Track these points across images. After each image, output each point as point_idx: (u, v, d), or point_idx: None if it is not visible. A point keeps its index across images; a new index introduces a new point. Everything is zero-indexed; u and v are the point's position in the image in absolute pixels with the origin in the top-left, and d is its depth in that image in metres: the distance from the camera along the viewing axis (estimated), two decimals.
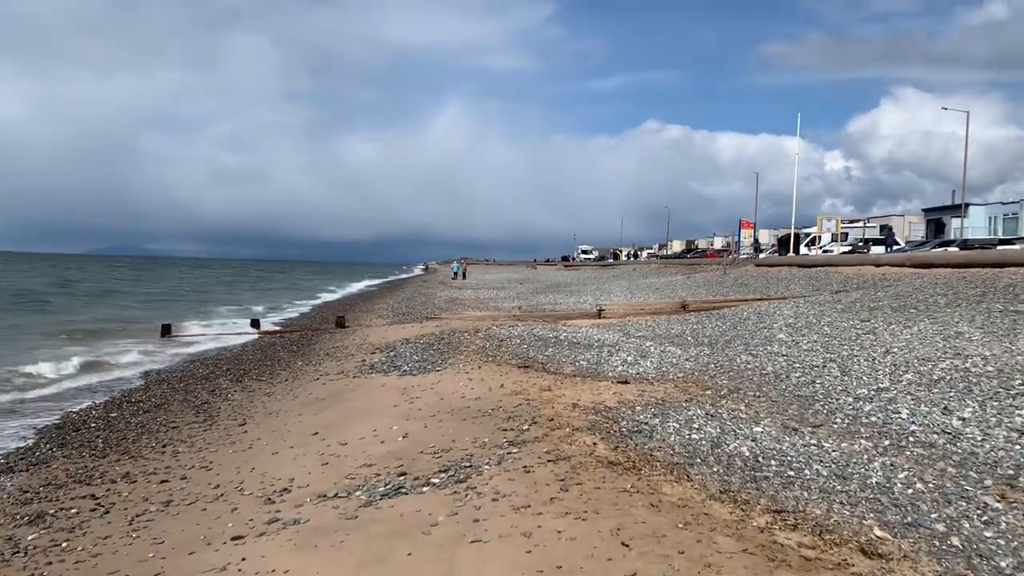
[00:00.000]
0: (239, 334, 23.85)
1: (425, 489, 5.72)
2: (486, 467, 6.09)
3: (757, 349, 14.10)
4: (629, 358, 13.19)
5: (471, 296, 37.50)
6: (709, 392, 10.07)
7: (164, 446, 8.44)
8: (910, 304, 17.81)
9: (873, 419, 8.12)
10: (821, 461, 6.33)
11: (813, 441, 7.06)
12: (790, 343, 14.43)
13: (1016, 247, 37.40)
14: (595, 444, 6.63)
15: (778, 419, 8.21)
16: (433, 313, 26.78)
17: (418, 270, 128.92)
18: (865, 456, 6.56)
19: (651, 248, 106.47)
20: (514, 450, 6.52)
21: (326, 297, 50.81)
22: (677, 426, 7.52)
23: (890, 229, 47.77)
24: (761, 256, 50.35)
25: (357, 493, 5.85)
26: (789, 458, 6.41)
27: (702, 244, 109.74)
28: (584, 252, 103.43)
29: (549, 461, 6.11)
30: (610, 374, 11.60)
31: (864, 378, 10.35)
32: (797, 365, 11.77)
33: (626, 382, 10.81)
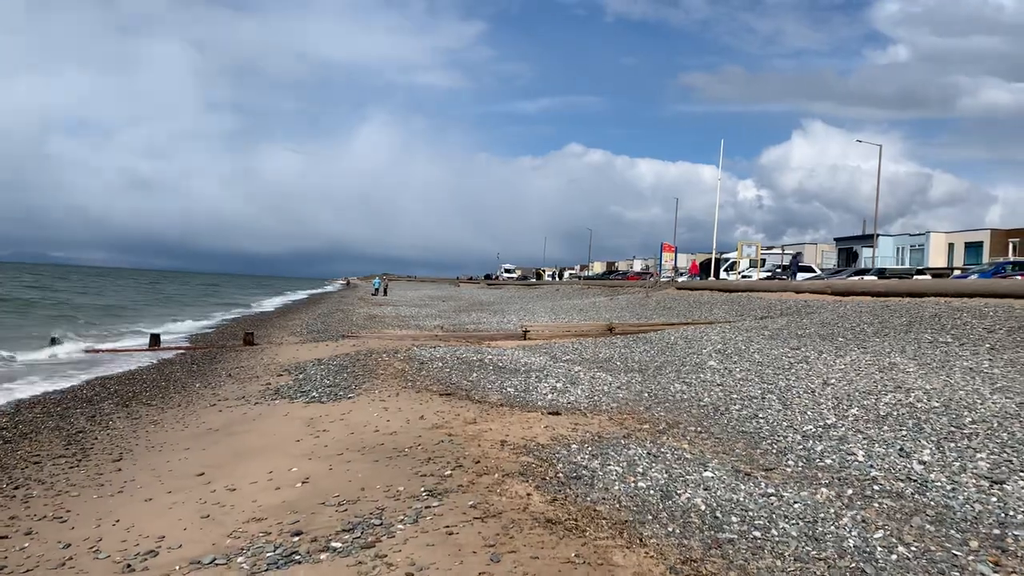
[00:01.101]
0: (136, 350, 22.01)
1: (323, 556, 4.66)
2: (399, 526, 5.07)
3: (690, 377, 13.46)
4: (559, 384, 12.34)
5: (392, 313, 36.20)
6: (647, 427, 9.27)
7: (16, 488, 7.08)
8: (838, 332, 17.55)
9: (828, 461, 7.44)
10: (786, 517, 5.54)
11: (771, 490, 6.28)
12: (722, 371, 13.84)
13: (928, 278, 38.48)
14: (529, 495, 5.68)
15: (727, 460, 7.44)
16: (350, 331, 25.44)
17: (338, 285, 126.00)
18: (831, 509, 5.81)
19: (572, 269, 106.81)
20: (434, 503, 5.50)
21: (238, 311, 48.54)
22: (620, 470, 6.65)
23: (796, 256, 48.63)
24: (681, 280, 50.67)
25: (239, 560, 4.74)
26: (750, 513, 5.60)
27: (622, 266, 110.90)
28: (507, 271, 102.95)
29: (476, 519, 5.13)
30: (539, 403, 10.70)
31: (808, 412, 9.73)
32: (735, 396, 11.12)
33: (558, 413, 9.93)
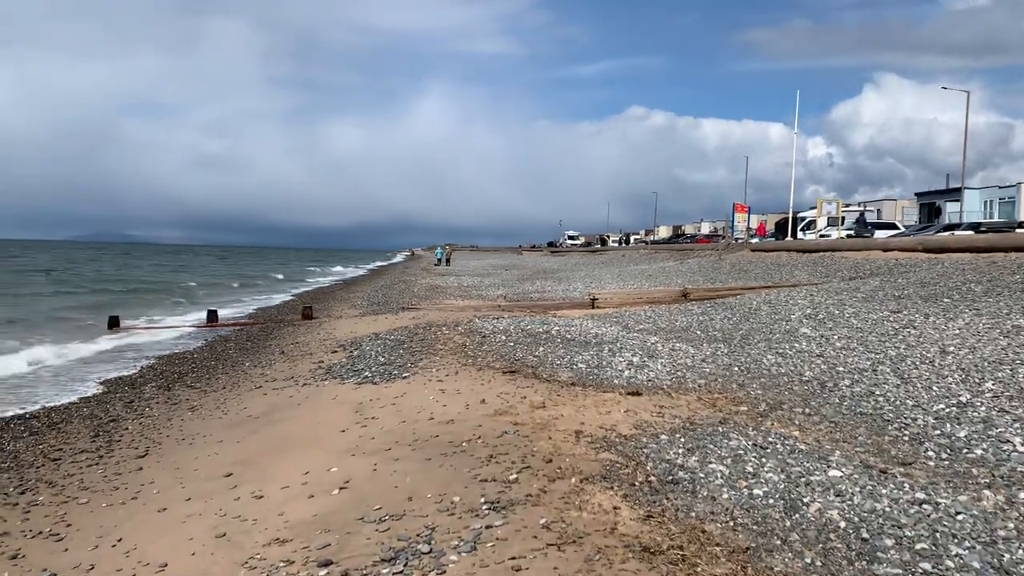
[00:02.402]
0: (194, 327, 21.53)
1: None
2: (452, 556, 3.95)
3: (783, 346, 12.04)
4: (635, 359, 11.08)
5: (454, 283, 35.28)
6: (744, 408, 7.97)
7: (23, 491, 6.23)
8: (942, 292, 15.79)
9: (979, 452, 6.03)
10: (955, 537, 4.23)
11: (920, 495, 4.96)
12: (819, 339, 12.38)
13: None
14: (617, 509, 4.49)
15: (851, 452, 6.11)
16: (411, 303, 24.55)
17: (402, 256, 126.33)
18: (1009, 523, 4.47)
19: (637, 234, 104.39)
20: (497, 521, 4.36)
21: (302, 284, 48.46)
22: (725, 471, 5.39)
23: (861, 215, 45.63)
24: (754, 241, 48.38)
25: None
26: (906, 532, 4.30)
27: (689, 230, 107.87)
28: (571, 238, 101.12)
29: (551, 545, 3.97)
30: (616, 381, 9.47)
31: (934, 388, 8.27)
32: (841, 369, 9.69)
33: (638, 393, 8.69)
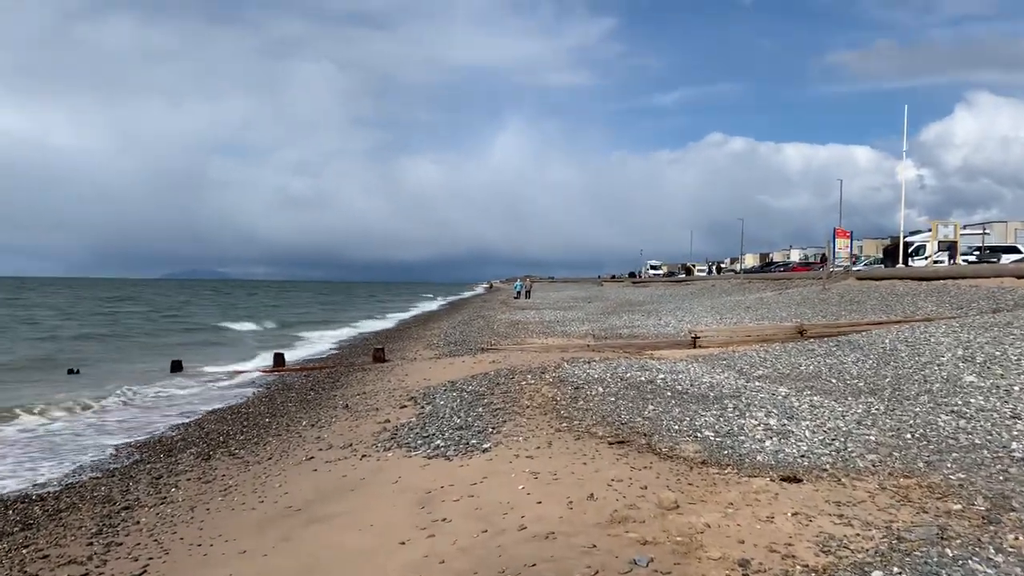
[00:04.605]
0: (260, 371, 20.14)
1: None
2: None
3: (953, 402, 9.61)
4: (771, 421, 8.83)
5: (535, 318, 33.28)
6: (956, 507, 5.67)
7: None
8: None
9: None
10: None
11: None
12: (995, 391, 9.93)
13: None
14: None
15: None
16: (491, 341, 22.65)
17: (481, 289, 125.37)
18: None
19: (722, 263, 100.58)
20: None
21: (378, 321, 47.36)
22: None
23: (953, 243, 41.42)
24: (856, 268, 44.86)
25: None
26: None
27: (777, 257, 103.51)
28: (653, 268, 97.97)
29: None
30: (759, 457, 7.26)
31: None
32: None
33: (797, 479, 6.47)
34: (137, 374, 19.76)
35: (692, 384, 11.53)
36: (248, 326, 39.86)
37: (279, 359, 20.50)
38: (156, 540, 6.19)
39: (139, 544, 6.13)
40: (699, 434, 8.19)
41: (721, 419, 8.93)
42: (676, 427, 8.52)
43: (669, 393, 10.69)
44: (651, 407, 9.58)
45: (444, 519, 5.63)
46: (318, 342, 31.13)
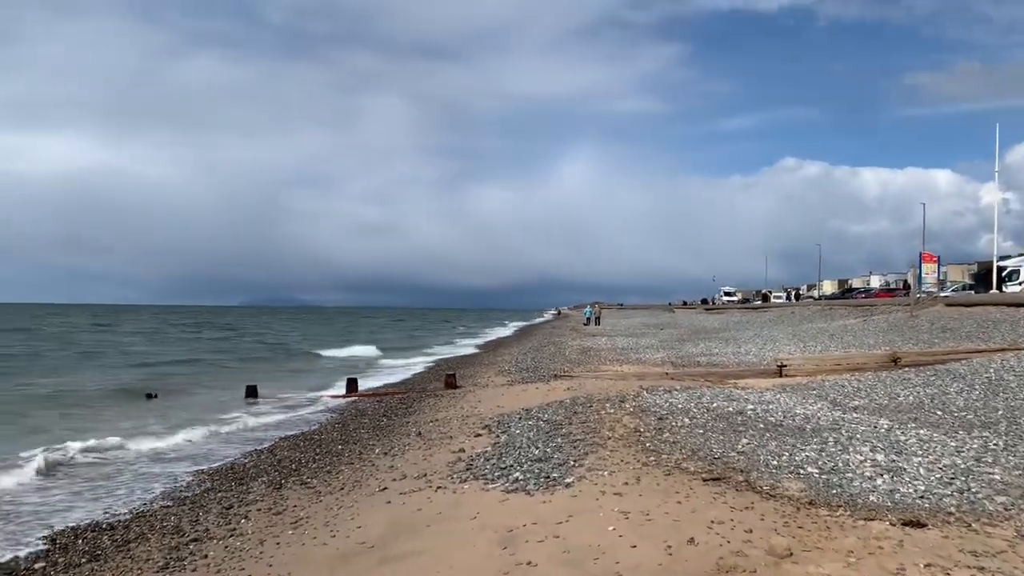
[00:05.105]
0: (333, 397, 20.08)
1: None
2: None
3: None
4: (879, 457, 8.08)
5: (607, 345, 32.60)
6: None
7: None
8: None
9: None
10: None
11: None
12: None
13: None
14: None
15: None
16: (563, 368, 22.13)
17: (549, 315, 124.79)
18: None
19: (799, 289, 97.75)
20: None
21: (449, 348, 47.31)
22: None
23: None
24: (943, 295, 42.72)
25: None
26: None
27: (856, 283, 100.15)
28: (727, 294, 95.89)
29: None
30: (872, 497, 6.57)
31: None
32: None
33: (919, 523, 5.78)
34: (213, 400, 19.94)
35: (785, 416, 10.79)
36: (322, 352, 40.27)
37: (352, 384, 20.40)
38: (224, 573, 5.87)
39: None
40: (801, 470, 7.51)
41: (823, 454, 8.23)
42: (775, 462, 7.86)
43: (762, 425, 9.99)
44: (744, 440, 8.92)
45: (529, 563, 5.15)
46: (391, 368, 31.13)
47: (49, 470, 10.84)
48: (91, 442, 12.60)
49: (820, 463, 7.80)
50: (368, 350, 41.06)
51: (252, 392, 19.90)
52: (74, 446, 12.25)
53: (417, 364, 32.33)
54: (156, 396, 19.99)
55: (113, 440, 12.95)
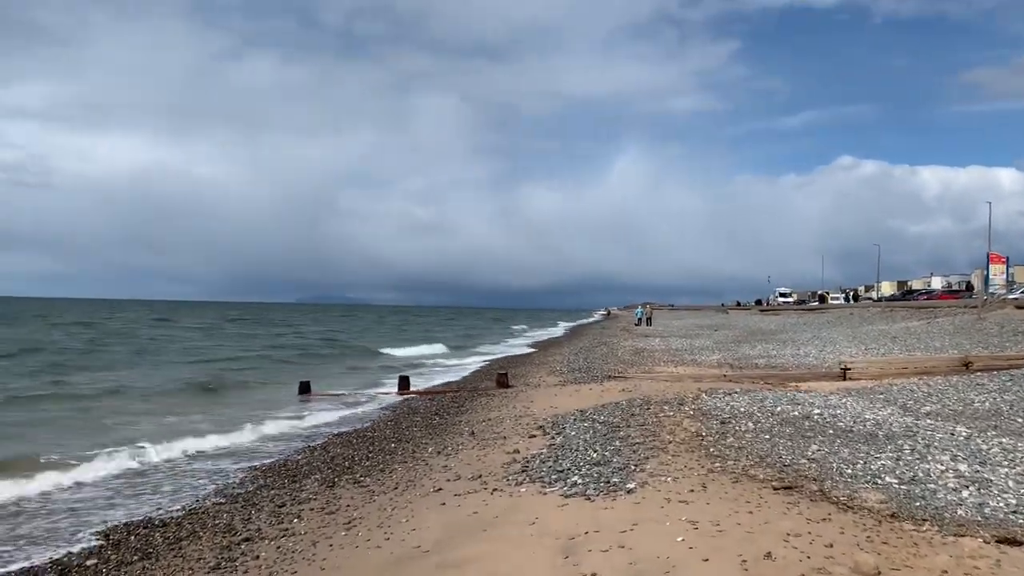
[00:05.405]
0: (383, 393, 20.04)
1: None
2: None
3: None
4: (963, 467, 7.59)
5: (661, 346, 32.04)
6: None
7: None
8: None
9: None
10: None
11: None
12: None
13: None
14: None
15: None
16: (617, 369, 21.74)
17: (598, 316, 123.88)
18: None
19: (857, 290, 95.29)
20: None
21: (499, 347, 47.18)
22: None
23: None
24: (1013, 296, 41.07)
25: None
26: None
27: (916, 285, 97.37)
28: (782, 295, 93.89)
29: None
30: (960, 511, 6.13)
31: None
32: None
33: (1017, 541, 5.34)
34: (266, 396, 20.05)
35: (855, 421, 10.30)
36: (375, 349, 40.46)
37: (404, 382, 20.32)
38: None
39: None
40: (879, 480, 7.08)
41: (900, 462, 7.76)
42: (849, 471, 7.43)
43: (831, 431, 9.53)
44: (815, 447, 8.49)
45: (594, 574, 4.86)
46: (446, 367, 31.09)
47: (107, 465, 10.89)
48: (149, 437, 12.68)
49: (898, 472, 7.35)
50: (430, 349, 41.13)
51: (305, 388, 19.95)
52: (133, 441, 12.34)
53: (472, 363, 32.22)
54: (214, 389, 20.22)
55: (170, 435, 13.02)
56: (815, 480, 7.09)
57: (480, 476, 8.43)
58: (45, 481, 9.85)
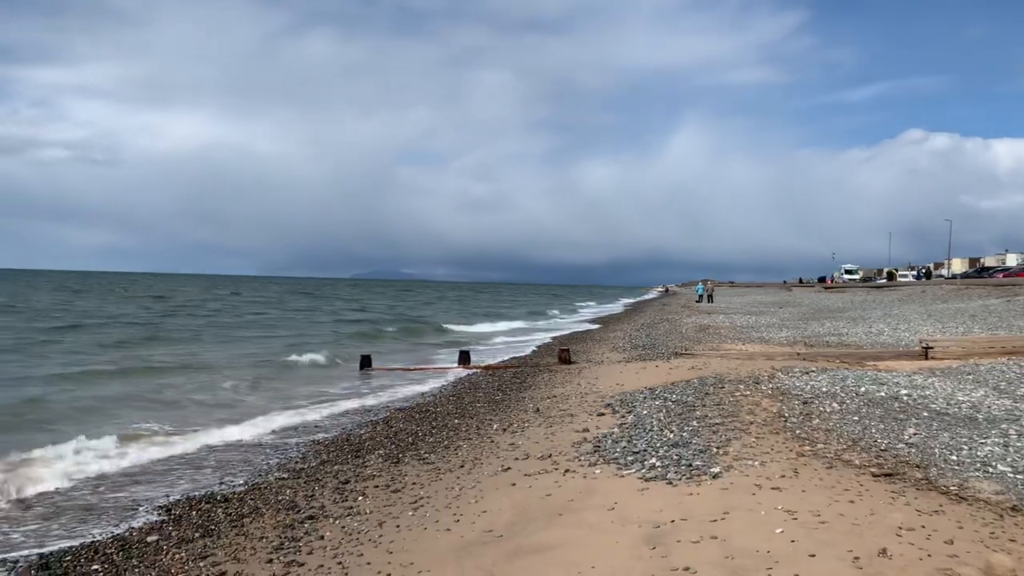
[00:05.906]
0: (444, 368, 19.82)
1: None
2: None
3: None
4: None
5: (726, 323, 31.18)
6: None
7: None
8: None
9: None
10: None
11: None
12: None
13: None
14: None
15: None
16: (683, 346, 21.14)
17: (656, 292, 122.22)
18: None
19: (929, 268, 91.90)
20: None
21: (558, 323, 46.77)
22: None
23: None
24: None
25: None
26: None
27: (990, 262, 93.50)
28: (848, 272, 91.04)
29: None
30: None
31: None
32: None
33: None
34: (327, 370, 20.03)
35: (948, 403, 9.62)
36: (439, 325, 40.40)
37: (465, 357, 20.08)
38: (340, 564, 5.42)
39: (322, 567, 5.40)
40: (990, 468, 6.47)
41: (1009, 449, 7.12)
42: (954, 457, 6.83)
43: (925, 413, 8.88)
44: (911, 430, 7.88)
45: (687, 568, 4.44)
46: (504, 342, 30.81)
47: (168, 439, 10.85)
48: (211, 412, 12.66)
49: (1010, 460, 6.72)
50: (492, 325, 40.95)
51: (367, 362, 19.86)
52: (196, 417, 12.32)
53: (534, 339, 31.85)
54: (282, 364, 20.32)
55: (233, 409, 12.99)
56: (918, 467, 6.52)
57: (550, 455, 8.06)
58: (117, 455, 9.82)
